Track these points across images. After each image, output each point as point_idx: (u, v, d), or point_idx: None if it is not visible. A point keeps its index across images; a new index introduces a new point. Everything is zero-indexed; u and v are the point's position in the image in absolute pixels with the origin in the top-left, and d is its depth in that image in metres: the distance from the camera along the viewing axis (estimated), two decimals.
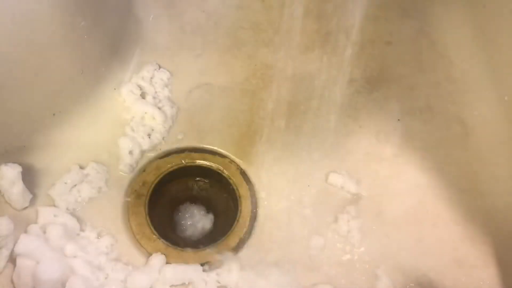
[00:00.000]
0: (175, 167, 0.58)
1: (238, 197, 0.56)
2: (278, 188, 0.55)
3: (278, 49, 0.68)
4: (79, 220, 0.50)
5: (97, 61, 0.60)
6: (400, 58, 0.68)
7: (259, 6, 0.72)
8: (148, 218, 0.54)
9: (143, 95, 0.61)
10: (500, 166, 0.57)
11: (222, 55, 0.67)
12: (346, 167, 0.57)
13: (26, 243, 0.45)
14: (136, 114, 0.59)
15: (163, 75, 0.63)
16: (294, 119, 0.61)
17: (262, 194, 0.55)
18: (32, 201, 0.50)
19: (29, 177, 0.52)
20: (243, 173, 0.57)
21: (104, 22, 0.60)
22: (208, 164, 0.58)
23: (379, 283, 0.49)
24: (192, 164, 0.58)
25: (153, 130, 0.59)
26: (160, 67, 0.64)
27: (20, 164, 0.50)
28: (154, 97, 0.61)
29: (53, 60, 0.53)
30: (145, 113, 0.59)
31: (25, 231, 0.47)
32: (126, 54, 0.64)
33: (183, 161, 0.58)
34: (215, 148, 0.59)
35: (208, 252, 0.51)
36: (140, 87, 0.61)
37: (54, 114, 0.55)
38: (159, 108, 0.60)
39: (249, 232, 0.53)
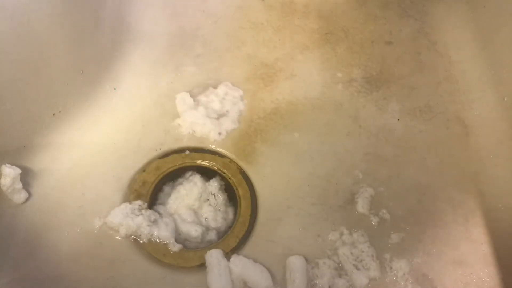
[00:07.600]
0: (175, 167, 0.58)
1: (238, 197, 0.56)
2: (278, 188, 0.55)
3: (278, 49, 0.68)
4: None
5: (97, 61, 0.60)
6: (400, 58, 0.68)
7: (259, 6, 0.72)
8: None
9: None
10: (500, 166, 0.57)
11: (222, 55, 0.67)
12: (346, 167, 0.57)
13: None
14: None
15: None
16: (294, 119, 0.61)
17: (262, 194, 0.55)
18: (29, 199, 0.52)
19: (29, 177, 0.52)
20: (243, 173, 0.57)
21: (104, 23, 0.60)
22: (208, 164, 0.58)
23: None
24: (192, 164, 0.58)
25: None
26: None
27: (20, 164, 0.51)
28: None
29: (53, 60, 0.53)
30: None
31: None
32: (126, 54, 0.64)
33: (183, 161, 0.58)
34: (215, 148, 0.59)
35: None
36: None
37: (54, 114, 0.55)
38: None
39: (249, 232, 0.53)
